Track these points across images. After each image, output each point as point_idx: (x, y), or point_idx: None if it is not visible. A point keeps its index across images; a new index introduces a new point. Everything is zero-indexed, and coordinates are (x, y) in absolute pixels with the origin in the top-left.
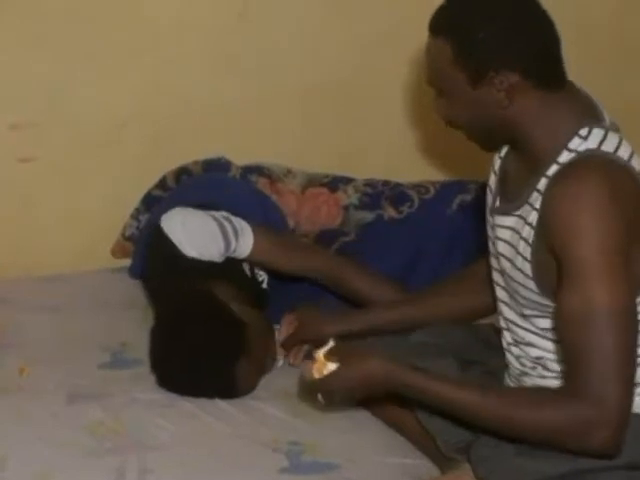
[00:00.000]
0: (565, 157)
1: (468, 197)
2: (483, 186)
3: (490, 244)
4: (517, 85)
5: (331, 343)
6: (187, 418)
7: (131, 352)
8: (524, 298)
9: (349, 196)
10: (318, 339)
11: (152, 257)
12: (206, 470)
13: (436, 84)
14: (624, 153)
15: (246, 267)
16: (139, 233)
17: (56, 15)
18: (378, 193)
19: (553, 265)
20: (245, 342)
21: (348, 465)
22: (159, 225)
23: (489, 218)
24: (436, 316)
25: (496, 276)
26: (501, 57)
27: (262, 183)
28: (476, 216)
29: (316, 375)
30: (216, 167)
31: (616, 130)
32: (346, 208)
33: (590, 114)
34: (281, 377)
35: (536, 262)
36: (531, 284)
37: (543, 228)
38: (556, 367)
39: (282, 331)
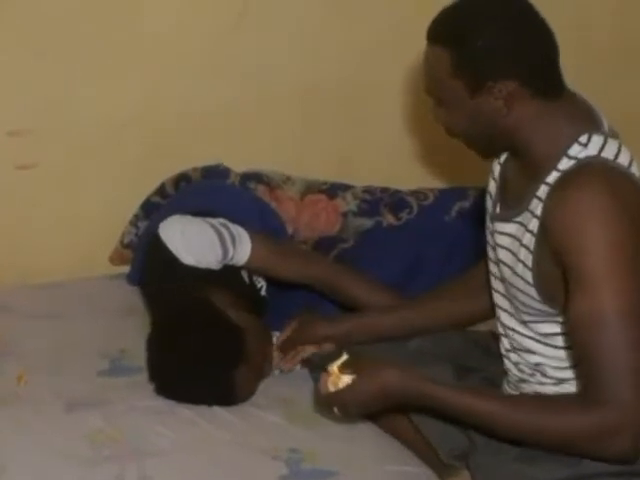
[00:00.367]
0: (565, 164)
1: (467, 204)
2: (482, 193)
3: (489, 250)
4: (515, 93)
5: (345, 356)
6: (186, 425)
7: (130, 359)
8: (524, 305)
9: (348, 203)
10: (314, 340)
11: (150, 264)
12: (205, 477)
13: (435, 93)
14: (624, 159)
15: (245, 274)
16: (138, 240)
17: (55, 21)
18: (377, 200)
19: (555, 272)
20: (243, 349)
21: (347, 473)
22: (157, 233)
23: (489, 224)
24: (435, 320)
25: (495, 283)
26: (500, 66)
27: (261, 190)
28: (475, 223)
29: (331, 388)
30: (215, 174)
31: (615, 136)
32: (345, 215)
33: (589, 121)
34: (280, 384)
35: (537, 269)
36: (532, 291)
37: (545, 236)
38: (555, 374)
39: (281, 336)
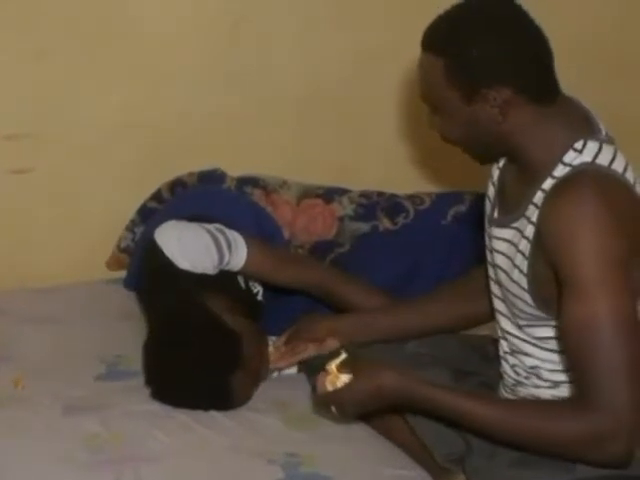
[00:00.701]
0: (560, 171)
1: (463, 208)
2: (478, 197)
3: (488, 254)
4: (510, 100)
5: (343, 355)
6: (183, 430)
7: (127, 364)
8: (519, 309)
9: (344, 207)
10: (316, 335)
11: (146, 270)
12: None
13: (430, 100)
14: (619, 166)
15: (241, 279)
16: (134, 245)
17: (53, 28)
18: (373, 204)
19: (550, 278)
20: (240, 354)
21: (343, 476)
22: (153, 238)
23: (487, 228)
24: (433, 322)
25: (493, 287)
26: (494, 73)
27: (257, 194)
28: (471, 227)
29: (329, 387)
30: (211, 179)
31: (611, 142)
32: (341, 219)
33: (584, 126)
34: (277, 388)
35: (533, 275)
36: (526, 296)
37: (540, 242)
38: (550, 377)
39: (282, 337)
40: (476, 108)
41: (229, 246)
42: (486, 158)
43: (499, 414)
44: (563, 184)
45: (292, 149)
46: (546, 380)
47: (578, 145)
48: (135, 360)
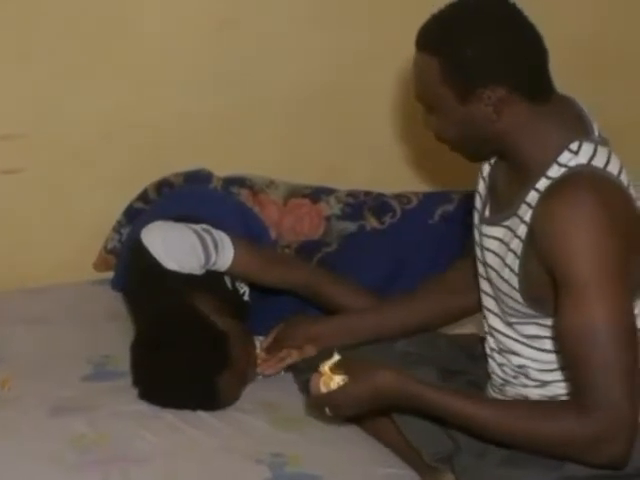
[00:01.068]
0: (555, 171)
1: (450, 207)
2: (466, 196)
3: (477, 250)
4: (505, 99)
5: (336, 356)
6: (171, 430)
7: (114, 364)
8: (509, 307)
9: (331, 207)
10: (298, 340)
11: (133, 270)
12: None
13: (424, 100)
14: (613, 168)
15: (228, 280)
16: (121, 246)
17: (45, 29)
18: (360, 203)
19: (543, 278)
20: (227, 354)
21: (331, 476)
22: (139, 238)
23: (477, 225)
24: (418, 319)
25: (483, 283)
26: (489, 72)
27: (244, 194)
28: (459, 226)
29: (323, 389)
30: (197, 179)
31: (605, 143)
32: (328, 219)
33: (579, 126)
34: (265, 389)
35: (524, 274)
36: (517, 295)
37: (534, 242)
38: (538, 376)
39: (267, 339)
40: (471, 107)
41: (215, 246)
42: (479, 157)
43: (498, 415)
44: (558, 185)
45: (280, 149)
46: (534, 379)
47: (573, 146)
48: (123, 360)
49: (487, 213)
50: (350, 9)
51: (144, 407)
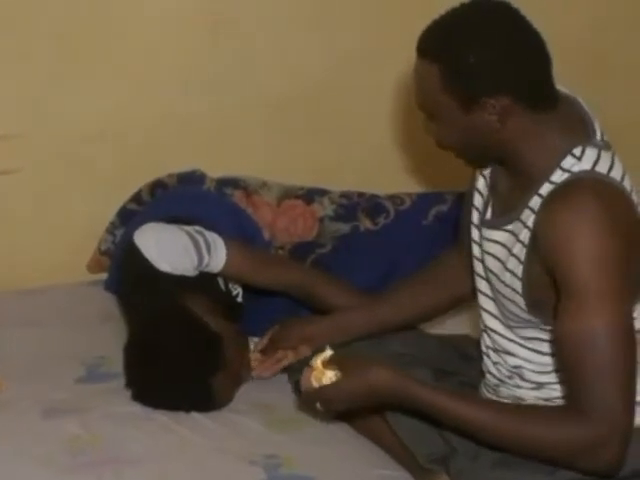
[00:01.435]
0: (558, 176)
1: (444, 208)
2: (460, 197)
3: (476, 249)
4: (509, 108)
5: (328, 351)
6: (164, 431)
7: (108, 366)
8: (510, 312)
9: (325, 208)
10: (293, 341)
11: (126, 272)
12: None
13: (426, 107)
14: (617, 173)
15: (221, 281)
16: (115, 248)
17: (38, 31)
18: (354, 204)
19: (546, 283)
20: (221, 355)
21: (326, 478)
22: (132, 240)
23: (477, 227)
24: (408, 313)
25: (481, 284)
26: (493, 82)
27: (237, 196)
28: (453, 227)
29: (315, 384)
30: (191, 180)
31: (608, 147)
32: (322, 220)
33: (582, 131)
34: (259, 390)
35: (527, 279)
36: (519, 300)
37: (537, 247)
38: (533, 377)
39: (262, 340)
40: (474, 116)
41: (208, 248)
42: (480, 163)
43: (494, 418)
44: (562, 190)
45: (273, 150)
46: (528, 380)
47: (577, 151)
48: (116, 362)
49: (488, 215)
50: (342, 10)
51: (137, 409)
